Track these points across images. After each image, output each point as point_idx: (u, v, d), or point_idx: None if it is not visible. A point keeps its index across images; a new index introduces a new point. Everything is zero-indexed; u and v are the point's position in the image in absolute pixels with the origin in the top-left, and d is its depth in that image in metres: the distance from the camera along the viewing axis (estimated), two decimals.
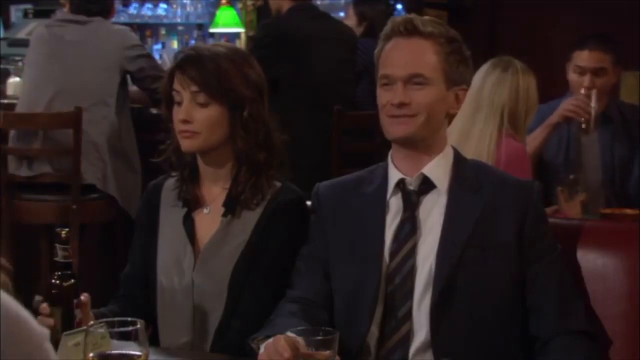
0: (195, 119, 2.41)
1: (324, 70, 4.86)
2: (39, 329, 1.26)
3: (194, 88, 2.41)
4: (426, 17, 2.33)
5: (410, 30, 2.28)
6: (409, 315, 2.22)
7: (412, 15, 2.32)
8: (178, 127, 2.44)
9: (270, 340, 2.03)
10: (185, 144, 2.44)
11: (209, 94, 2.41)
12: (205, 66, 2.41)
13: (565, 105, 3.96)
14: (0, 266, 1.34)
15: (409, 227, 2.27)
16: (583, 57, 4.05)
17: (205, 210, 2.50)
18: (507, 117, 3.51)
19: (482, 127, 3.49)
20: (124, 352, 1.87)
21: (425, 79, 2.25)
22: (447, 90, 2.28)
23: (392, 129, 2.28)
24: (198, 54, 2.45)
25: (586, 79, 4.01)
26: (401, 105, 2.25)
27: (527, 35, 7.10)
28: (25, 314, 1.24)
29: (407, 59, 2.26)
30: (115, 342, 1.88)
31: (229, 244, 2.45)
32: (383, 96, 2.29)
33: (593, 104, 3.95)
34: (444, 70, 2.27)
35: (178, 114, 2.43)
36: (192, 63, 2.42)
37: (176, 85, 2.44)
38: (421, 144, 2.29)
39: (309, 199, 2.48)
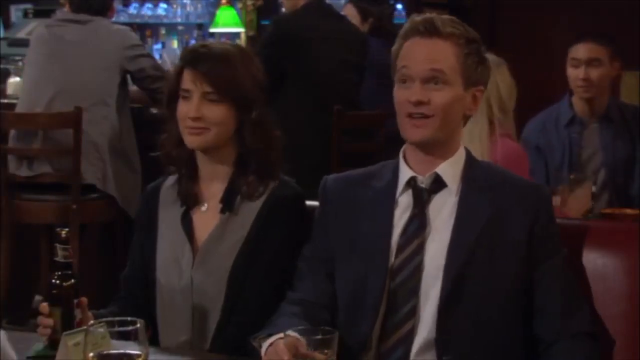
0: (205, 116, 2.41)
1: (328, 70, 4.85)
2: (11, 354, 1.25)
3: (207, 87, 2.41)
4: (446, 17, 2.31)
5: (430, 30, 2.26)
6: (413, 313, 2.22)
7: (433, 15, 2.30)
8: (185, 123, 2.43)
9: (271, 340, 2.04)
10: (191, 140, 2.44)
11: (220, 93, 2.41)
12: (218, 65, 2.42)
13: None
14: None
15: (418, 223, 2.27)
16: (578, 50, 4.12)
17: (202, 208, 2.50)
18: (495, 104, 3.47)
19: (470, 127, 3.44)
20: (123, 351, 1.87)
21: (444, 77, 2.23)
22: (465, 90, 2.27)
23: (410, 132, 2.26)
24: (210, 51, 2.44)
25: (581, 71, 4.06)
26: (419, 103, 2.23)
27: (527, 35, 7.10)
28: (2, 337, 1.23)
29: (426, 57, 2.25)
30: (115, 342, 1.88)
31: (228, 241, 2.45)
32: (401, 94, 2.27)
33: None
34: (463, 71, 2.26)
35: (186, 110, 2.42)
36: (205, 61, 2.42)
37: (186, 82, 2.43)
38: (437, 147, 2.28)
39: (308, 199, 2.48)
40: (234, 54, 2.46)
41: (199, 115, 2.41)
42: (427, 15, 2.32)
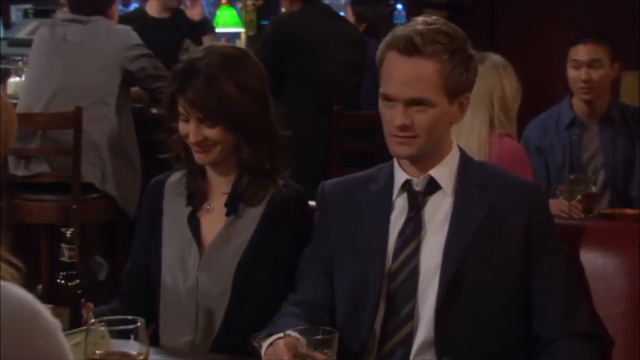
0: (206, 137, 2.42)
1: (328, 70, 4.85)
2: (52, 319, 1.30)
3: (198, 113, 2.41)
4: (429, 30, 2.21)
5: (410, 50, 2.20)
6: (411, 314, 2.22)
7: (414, 31, 2.20)
8: (189, 142, 2.45)
9: (271, 339, 2.04)
10: (199, 158, 2.46)
11: (212, 118, 2.42)
12: (204, 89, 2.39)
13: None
14: (10, 262, 1.39)
15: (414, 226, 2.27)
16: (578, 51, 4.12)
17: (209, 209, 2.51)
18: (497, 103, 3.47)
19: (470, 122, 3.44)
20: (124, 351, 1.86)
21: (427, 102, 2.20)
22: (450, 104, 2.23)
23: (395, 149, 2.26)
24: (195, 72, 2.41)
25: (582, 73, 4.06)
26: (402, 127, 2.21)
27: (527, 35, 7.11)
28: (39, 304, 1.29)
29: (408, 80, 2.20)
30: (115, 341, 1.87)
31: (233, 243, 2.46)
32: (385, 113, 2.25)
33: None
34: (447, 88, 2.20)
35: (186, 132, 2.43)
36: (191, 86, 2.40)
37: (181, 106, 2.44)
38: (427, 156, 2.27)
39: (309, 199, 2.48)
40: (218, 65, 2.42)
41: (200, 139, 2.42)
42: (409, 28, 2.22)
